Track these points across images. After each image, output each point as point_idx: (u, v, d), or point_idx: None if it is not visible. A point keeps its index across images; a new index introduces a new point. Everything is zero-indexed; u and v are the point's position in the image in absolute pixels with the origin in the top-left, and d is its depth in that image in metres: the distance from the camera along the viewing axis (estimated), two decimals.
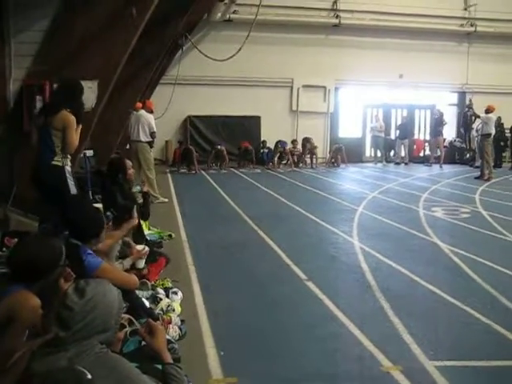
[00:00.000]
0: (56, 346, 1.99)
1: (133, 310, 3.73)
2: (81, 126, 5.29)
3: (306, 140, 18.89)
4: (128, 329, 2.41)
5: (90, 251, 3.50)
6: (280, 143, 18.48)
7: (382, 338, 4.08)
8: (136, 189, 7.47)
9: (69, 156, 5.29)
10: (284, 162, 18.53)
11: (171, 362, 2.41)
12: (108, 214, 4.58)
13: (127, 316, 2.48)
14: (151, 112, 11.13)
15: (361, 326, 4.29)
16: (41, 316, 2.47)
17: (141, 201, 6.22)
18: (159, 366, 2.41)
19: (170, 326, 3.95)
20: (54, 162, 5.13)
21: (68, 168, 5.27)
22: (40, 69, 6.27)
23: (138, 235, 5.96)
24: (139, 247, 4.80)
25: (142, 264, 4.76)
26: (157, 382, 2.25)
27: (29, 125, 6.28)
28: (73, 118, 5.11)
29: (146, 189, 7.01)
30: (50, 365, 1.88)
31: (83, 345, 1.99)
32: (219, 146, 17.58)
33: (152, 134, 10.62)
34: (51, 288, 2.67)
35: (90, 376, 1.70)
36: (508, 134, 19.18)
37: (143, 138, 10.53)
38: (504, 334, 4.17)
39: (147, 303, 4.22)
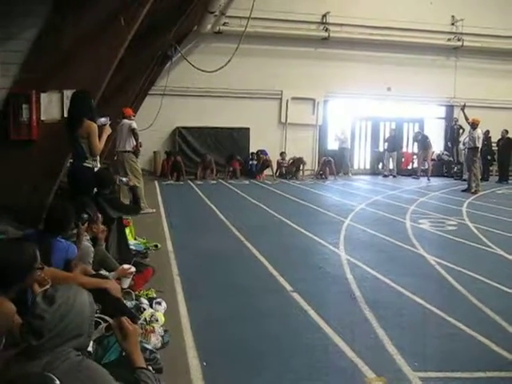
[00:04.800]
0: (29, 355, 1.95)
1: (106, 310, 3.66)
2: (108, 131, 6.32)
3: (299, 160, 18.97)
4: (103, 325, 2.36)
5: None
6: (261, 152, 18.95)
7: (366, 349, 4.07)
8: (122, 181, 7.38)
9: (97, 158, 6.31)
10: (269, 173, 18.86)
11: (143, 366, 2.35)
12: (84, 215, 4.54)
13: (97, 315, 2.43)
14: (130, 118, 11.05)
15: (345, 337, 4.28)
16: (19, 324, 2.43)
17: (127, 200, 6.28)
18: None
19: (152, 334, 3.91)
20: (85, 165, 5.99)
21: (96, 169, 6.32)
22: (27, 77, 6.23)
23: (124, 249, 5.95)
24: (126, 266, 4.76)
25: (127, 284, 4.71)
26: None
27: (15, 134, 6.25)
28: (94, 126, 5.88)
29: (131, 183, 6.89)
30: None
31: (57, 352, 1.96)
32: (208, 157, 17.85)
33: (136, 141, 10.60)
34: (28, 293, 2.63)
35: (58, 382, 1.67)
36: (495, 148, 19.35)
37: (127, 147, 10.55)
38: (488, 345, 4.17)
39: None
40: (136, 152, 10.71)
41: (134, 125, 10.71)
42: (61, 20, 6.17)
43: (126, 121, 10.76)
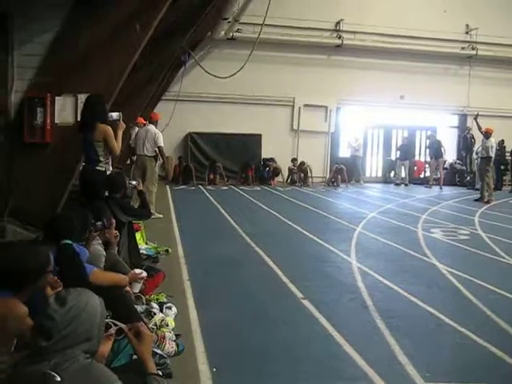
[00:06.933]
0: (38, 356, 1.96)
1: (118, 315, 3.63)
2: (122, 126, 6.36)
3: (303, 165, 18.99)
4: (113, 328, 2.36)
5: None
6: (269, 160, 19.14)
7: (377, 358, 4.03)
8: (131, 184, 7.36)
9: (109, 161, 6.55)
10: (280, 179, 18.98)
11: (155, 372, 2.35)
12: (98, 223, 4.52)
13: (108, 320, 2.43)
14: (156, 124, 11.08)
15: (356, 345, 4.24)
16: (31, 326, 2.43)
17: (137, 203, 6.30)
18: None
19: (166, 340, 3.89)
20: (98, 168, 6.05)
21: (108, 172, 6.42)
22: (42, 81, 6.28)
23: (134, 253, 5.94)
24: (137, 271, 4.73)
25: (137, 288, 4.68)
26: None
27: (29, 137, 6.29)
28: (109, 128, 5.95)
29: (140, 187, 6.86)
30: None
31: (66, 354, 1.96)
32: (217, 163, 18.16)
33: (159, 147, 10.65)
34: (40, 296, 2.63)
35: (58, 378, 1.67)
36: (509, 158, 19.21)
37: (149, 152, 10.59)
38: (501, 357, 4.11)
39: None
40: (156, 158, 10.79)
41: (161, 142, 10.58)
42: (76, 24, 6.22)
43: (152, 127, 10.78)
